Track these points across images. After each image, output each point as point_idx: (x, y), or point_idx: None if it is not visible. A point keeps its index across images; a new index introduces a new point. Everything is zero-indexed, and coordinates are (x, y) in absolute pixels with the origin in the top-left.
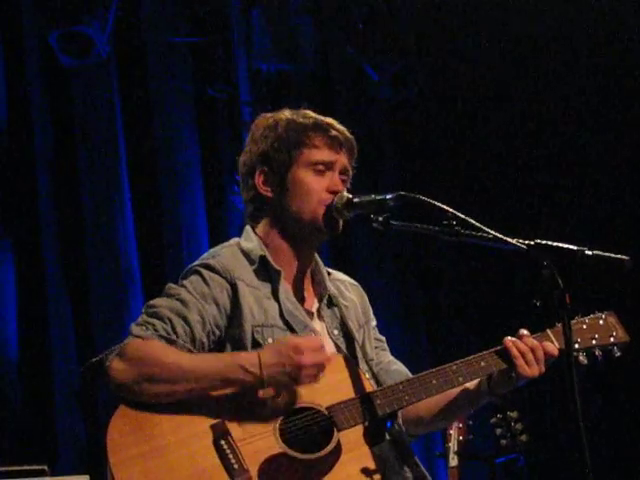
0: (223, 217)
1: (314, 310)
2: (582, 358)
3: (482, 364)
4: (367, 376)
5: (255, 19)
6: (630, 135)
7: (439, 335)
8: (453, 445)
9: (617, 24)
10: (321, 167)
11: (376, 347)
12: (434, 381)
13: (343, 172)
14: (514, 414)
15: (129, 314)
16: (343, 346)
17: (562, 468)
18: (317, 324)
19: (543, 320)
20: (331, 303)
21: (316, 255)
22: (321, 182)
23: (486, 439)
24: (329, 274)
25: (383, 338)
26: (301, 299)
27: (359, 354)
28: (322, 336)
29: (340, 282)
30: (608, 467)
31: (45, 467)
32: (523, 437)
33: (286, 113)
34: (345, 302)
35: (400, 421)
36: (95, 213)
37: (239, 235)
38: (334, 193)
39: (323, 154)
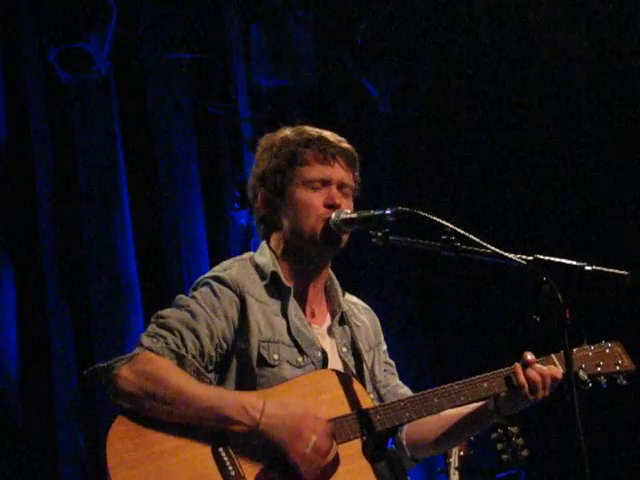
0: (223, 233)
1: (325, 327)
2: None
3: (485, 385)
4: (371, 396)
5: (254, 35)
6: (633, 151)
7: (441, 352)
8: (454, 460)
9: (615, 46)
10: (317, 184)
11: (385, 370)
12: (435, 400)
13: (342, 186)
14: (515, 429)
15: (129, 329)
16: (351, 364)
17: None
18: (327, 341)
19: (542, 336)
20: (343, 321)
21: (331, 272)
22: (318, 197)
23: (487, 454)
24: (343, 295)
25: (392, 363)
26: (312, 315)
27: (366, 374)
28: (331, 353)
29: (353, 304)
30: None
31: None
32: (524, 452)
33: (284, 132)
34: (357, 322)
35: (404, 443)
36: (94, 228)
37: (239, 252)
38: (332, 207)
39: (316, 171)
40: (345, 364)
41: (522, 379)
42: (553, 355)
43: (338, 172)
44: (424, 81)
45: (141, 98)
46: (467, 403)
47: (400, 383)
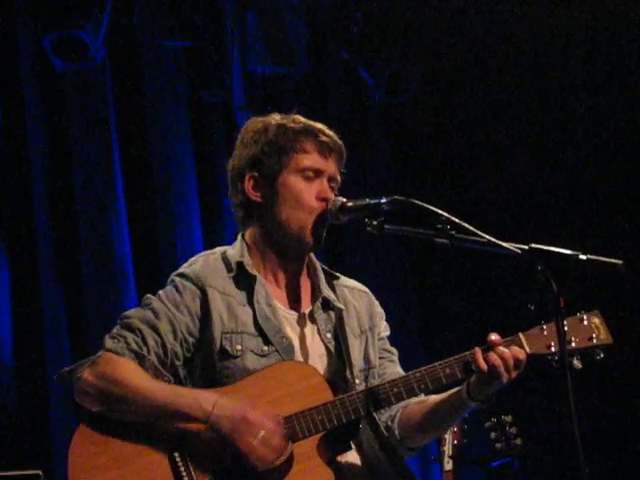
0: (218, 221)
1: (306, 312)
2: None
3: (447, 371)
4: (357, 381)
5: (249, 22)
6: (628, 140)
7: (435, 342)
8: (448, 449)
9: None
10: (310, 174)
11: (382, 357)
12: (395, 389)
13: (331, 180)
14: (508, 418)
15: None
16: (333, 349)
17: (557, 471)
18: (307, 327)
19: (536, 324)
20: (327, 307)
21: (313, 258)
22: (311, 189)
23: (481, 443)
24: (337, 278)
25: (394, 350)
26: (293, 302)
27: (346, 359)
28: (310, 339)
29: (347, 288)
30: (603, 470)
31: (40, 472)
32: (518, 441)
33: (276, 117)
34: (344, 307)
35: (397, 432)
36: (89, 216)
37: (233, 239)
38: (324, 200)
39: (313, 160)
40: (328, 350)
41: (482, 364)
42: (521, 334)
43: (331, 166)
44: (420, 70)
45: (136, 86)
46: (429, 390)
47: (398, 371)
